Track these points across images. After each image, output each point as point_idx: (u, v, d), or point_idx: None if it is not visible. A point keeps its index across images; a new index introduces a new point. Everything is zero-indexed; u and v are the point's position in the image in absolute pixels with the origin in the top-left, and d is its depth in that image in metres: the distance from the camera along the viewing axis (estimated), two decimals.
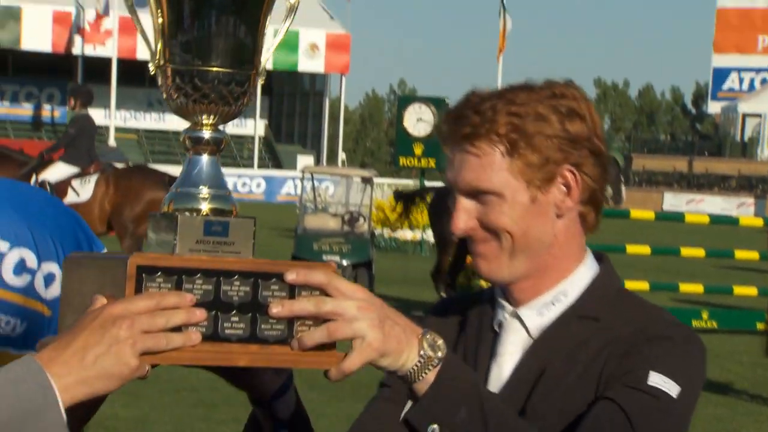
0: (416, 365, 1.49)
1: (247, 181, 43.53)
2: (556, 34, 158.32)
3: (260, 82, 1.53)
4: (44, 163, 13.59)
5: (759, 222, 15.60)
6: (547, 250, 1.75)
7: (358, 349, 1.44)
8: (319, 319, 1.44)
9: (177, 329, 1.39)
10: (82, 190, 13.47)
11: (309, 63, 48.26)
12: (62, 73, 45.21)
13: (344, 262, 14.33)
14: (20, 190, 2.37)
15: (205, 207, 1.49)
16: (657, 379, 1.65)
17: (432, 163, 19.51)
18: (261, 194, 43.20)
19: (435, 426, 1.50)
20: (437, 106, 18.47)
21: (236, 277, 1.42)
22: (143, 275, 1.40)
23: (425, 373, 1.49)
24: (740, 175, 49.97)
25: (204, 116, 1.50)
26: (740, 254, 14.12)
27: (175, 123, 46.83)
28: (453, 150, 1.76)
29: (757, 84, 56.63)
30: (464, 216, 1.74)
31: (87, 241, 2.75)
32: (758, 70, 57.39)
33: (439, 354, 1.49)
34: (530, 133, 1.71)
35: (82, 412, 1.44)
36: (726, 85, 58.59)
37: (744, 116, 53.20)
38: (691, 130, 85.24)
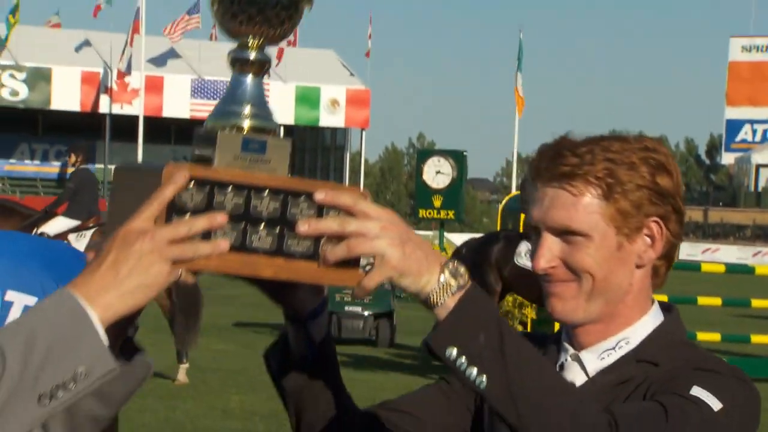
0: (436, 290, 1.49)
1: None
2: (573, 88, 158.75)
3: (307, 8, 1.55)
4: (47, 216, 13.64)
5: None
6: (622, 298, 1.76)
7: (377, 266, 1.46)
8: (343, 238, 1.47)
9: (207, 237, 1.41)
10: (77, 244, 13.46)
11: (330, 118, 48.50)
12: (90, 132, 45.56)
13: (366, 313, 14.31)
14: (49, 246, 2.37)
15: (246, 124, 1.51)
16: (700, 392, 1.64)
17: (451, 214, 19.50)
18: None
19: (453, 350, 1.50)
20: (455, 159, 18.49)
21: (266, 192, 1.45)
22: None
23: (444, 299, 1.50)
24: (755, 225, 49.77)
25: (250, 38, 1.52)
26: (757, 303, 14.01)
27: None
28: (546, 186, 1.76)
29: None
30: (548, 254, 1.74)
31: None
32: None
33: (460, 282, 1.50)
34: (624, 181, 1.73)
35: (125, 320, 1.46)
36: (739, 137, 58.49)
37: (758, 167, 53.08)
38: (706, 180, 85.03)
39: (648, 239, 1.75)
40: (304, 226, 1.45)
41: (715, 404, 1.63)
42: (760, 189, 54.32)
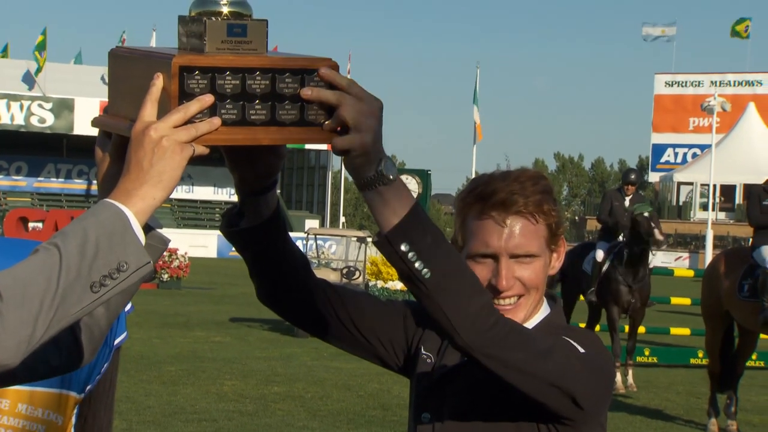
0: (372, 176, 1.51)
1: None
2: (524, 117, 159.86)
3: None
4: None
5: (690, 273, 15.56)
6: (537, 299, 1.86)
7: (352, 136, 1.48)
8: (325, 107, 1.47)
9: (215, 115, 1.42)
10: None
11: None
12: None
13: None
14: None
15: (225, 10, 1.48)
16: (568, 340, 1.76)
17: None
18: None
19: (406, 245, 1.54)
20: (421, 177, 18.55)
21: (257, 72, 1.44)
22: (184, 74, 1.41)
23: (377, 186, 1.52)
24: (677, 234, 49.96)
25: None
26: (675, 300, 14.09)
27: (201, 194, 46.85)
28: (504, 219, 1.80)
29: (688, 158, 56.86)
30: (510, 275, 1.80)
31: None
32: (689, 146, 57.69)
33: (391, 177, 1.52)
34: (551, 207, 1.82)
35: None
36: (663, 159, 58.84)
37: (679, 184, 53.41)
38: None
39: (555, 253, 1.85)
40: (308, 92, 1.46)
41: (580, 348, 1.74)
42: (681, 203, 54.55)
